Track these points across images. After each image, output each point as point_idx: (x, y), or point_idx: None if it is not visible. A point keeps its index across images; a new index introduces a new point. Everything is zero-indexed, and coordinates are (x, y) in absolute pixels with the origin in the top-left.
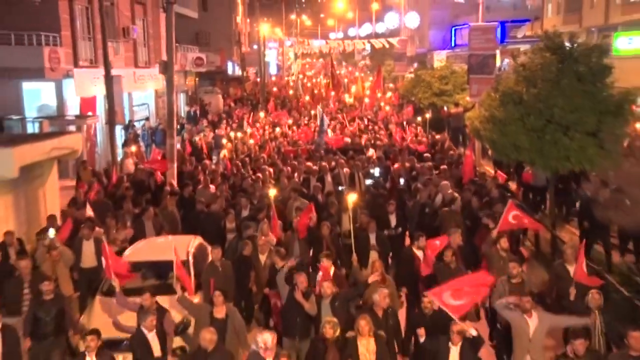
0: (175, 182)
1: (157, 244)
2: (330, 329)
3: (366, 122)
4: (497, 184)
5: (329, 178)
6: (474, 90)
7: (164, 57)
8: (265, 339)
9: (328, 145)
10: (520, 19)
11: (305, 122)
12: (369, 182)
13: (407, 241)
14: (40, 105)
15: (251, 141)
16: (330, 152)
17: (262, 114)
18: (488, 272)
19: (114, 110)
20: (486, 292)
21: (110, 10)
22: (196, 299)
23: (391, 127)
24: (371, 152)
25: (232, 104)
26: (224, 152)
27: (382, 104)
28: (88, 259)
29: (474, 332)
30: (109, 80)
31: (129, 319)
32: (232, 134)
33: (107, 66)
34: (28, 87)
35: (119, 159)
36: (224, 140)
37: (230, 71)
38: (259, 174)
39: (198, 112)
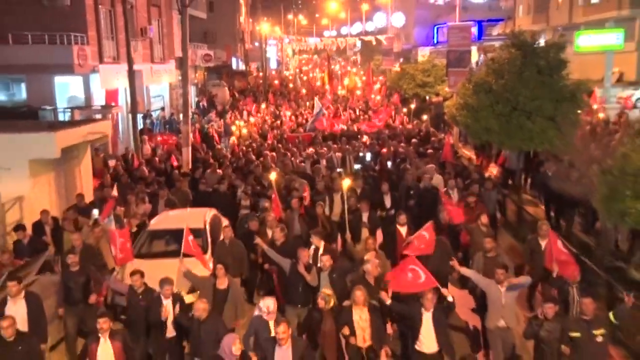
0: (190, 166)
1: (178, 215)
2: (321, 299)
3: (357, 113)
4: (476, 167)
5: (324, 162)
6: (452, 81)
7: (177, 54)
8: (268, 304)
9: (319, 131)
10: (495, 19)
11: (302, 112)
12: (358, 166)
13: None
14: (69, 96)
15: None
16: (327, 139)
17: (263, 105)
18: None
19: (136, 101)
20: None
21: (130, 12)
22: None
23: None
24: (365, 138)
25: (237, 95)
26: (233, 139)
27: (372, 95)
28: None
29: (450, 299)
30: (131, 74)
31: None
32: (237, 123)
33: (130, 62)
34: (59, 81)
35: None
36: (233, 128)
37: (234, 66)
38: (262, 158)
39: (205, 104)
